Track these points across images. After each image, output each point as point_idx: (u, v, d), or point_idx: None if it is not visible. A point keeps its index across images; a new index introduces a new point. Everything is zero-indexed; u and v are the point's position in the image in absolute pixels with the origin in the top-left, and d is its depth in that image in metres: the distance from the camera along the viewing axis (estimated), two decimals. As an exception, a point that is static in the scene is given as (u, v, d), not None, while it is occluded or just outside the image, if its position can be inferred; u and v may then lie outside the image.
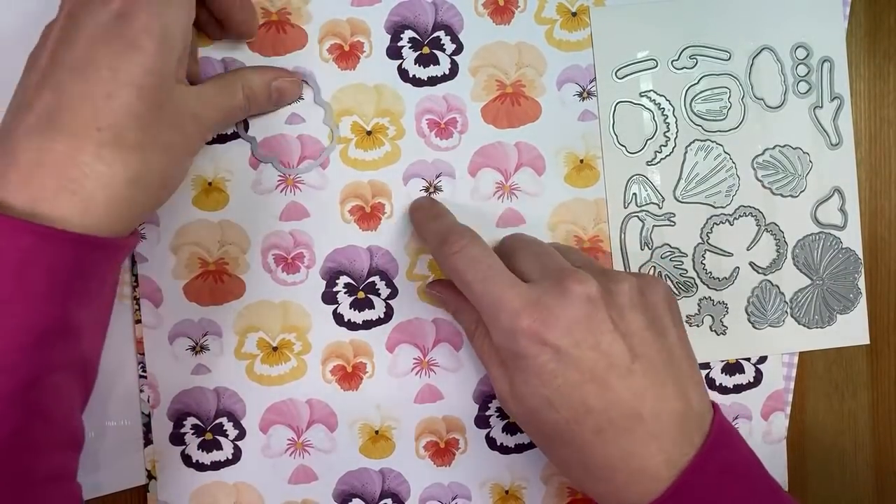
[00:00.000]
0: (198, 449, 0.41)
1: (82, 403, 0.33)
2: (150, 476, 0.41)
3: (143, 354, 0.41)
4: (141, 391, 0.41)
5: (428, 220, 0.38)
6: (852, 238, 0.42)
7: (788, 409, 0.42)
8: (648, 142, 0.41)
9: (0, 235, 0.28)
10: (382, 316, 0.41)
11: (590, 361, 0.31)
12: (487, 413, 0.42)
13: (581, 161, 0.41)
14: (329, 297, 0.41)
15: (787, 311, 0.42)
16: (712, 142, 0.41)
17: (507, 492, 0.42)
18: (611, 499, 0.32)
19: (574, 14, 0.41)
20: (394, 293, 0.41)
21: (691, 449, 0.31)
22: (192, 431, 0.41)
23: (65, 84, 0.29)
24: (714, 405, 0.34)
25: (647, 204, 0.41)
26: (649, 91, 0.41)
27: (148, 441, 0.41)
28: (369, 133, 0.41)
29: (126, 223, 0.31)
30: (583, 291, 0.32)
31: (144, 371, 0.41)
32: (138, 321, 0.41)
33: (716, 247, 0.41)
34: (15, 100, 0.31)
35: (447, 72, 0.41)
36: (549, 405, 0.32)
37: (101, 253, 0.31)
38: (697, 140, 0.41)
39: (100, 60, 0.29)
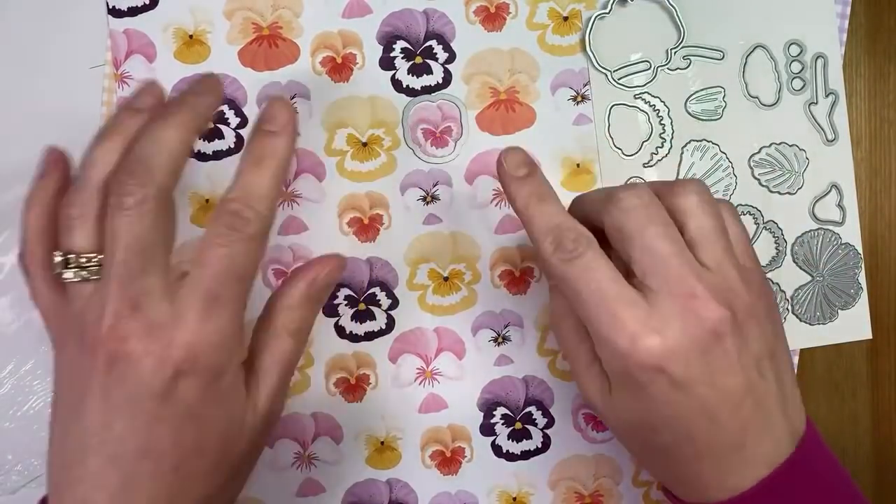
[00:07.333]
0: (204, 466, 0.41)
1: None
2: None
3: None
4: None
5: (535, 202, 0.33)
6: (851, 233, 0.41)
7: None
8: (644, 144, 0.41)
9: None
10: (384, 327, 0.41)
11: (704, 397, 0.29)
12: (492, 421, 0.42)
13: (577, 165, 0.41)
14: (330, 310, 0.41)
15: (788, 309, 0.42)
16: (708, 142, 0.41)
17: (514, 499, 0.42)
18: (692, 495, 0.32)
19: (566, 18, 0.41)
20: (394, 304, 0.41)
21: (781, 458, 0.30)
22: (198, 449, 0.41)
23: None
24: (807, 418, 0.32)
25: (645, 206, 0.41)
26: (644, 93, 0.41)
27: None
28: (365, 144, 0.41)
29: None
30: (711, 321, 0.29)
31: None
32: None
33: (715, 246, 0.41)
34: None
35: (440, 80, 0.41)
36: (651, 428, 0.31)
37: None
38: (693, 140, 0.41)
39: None
